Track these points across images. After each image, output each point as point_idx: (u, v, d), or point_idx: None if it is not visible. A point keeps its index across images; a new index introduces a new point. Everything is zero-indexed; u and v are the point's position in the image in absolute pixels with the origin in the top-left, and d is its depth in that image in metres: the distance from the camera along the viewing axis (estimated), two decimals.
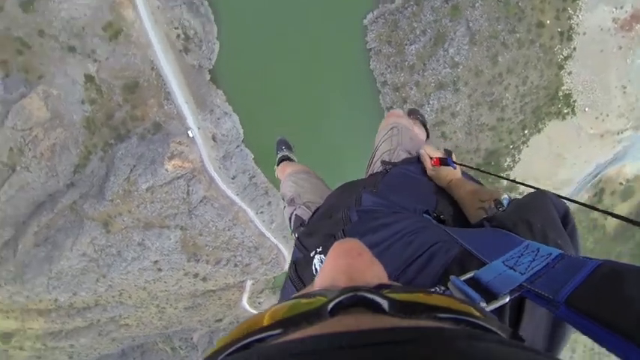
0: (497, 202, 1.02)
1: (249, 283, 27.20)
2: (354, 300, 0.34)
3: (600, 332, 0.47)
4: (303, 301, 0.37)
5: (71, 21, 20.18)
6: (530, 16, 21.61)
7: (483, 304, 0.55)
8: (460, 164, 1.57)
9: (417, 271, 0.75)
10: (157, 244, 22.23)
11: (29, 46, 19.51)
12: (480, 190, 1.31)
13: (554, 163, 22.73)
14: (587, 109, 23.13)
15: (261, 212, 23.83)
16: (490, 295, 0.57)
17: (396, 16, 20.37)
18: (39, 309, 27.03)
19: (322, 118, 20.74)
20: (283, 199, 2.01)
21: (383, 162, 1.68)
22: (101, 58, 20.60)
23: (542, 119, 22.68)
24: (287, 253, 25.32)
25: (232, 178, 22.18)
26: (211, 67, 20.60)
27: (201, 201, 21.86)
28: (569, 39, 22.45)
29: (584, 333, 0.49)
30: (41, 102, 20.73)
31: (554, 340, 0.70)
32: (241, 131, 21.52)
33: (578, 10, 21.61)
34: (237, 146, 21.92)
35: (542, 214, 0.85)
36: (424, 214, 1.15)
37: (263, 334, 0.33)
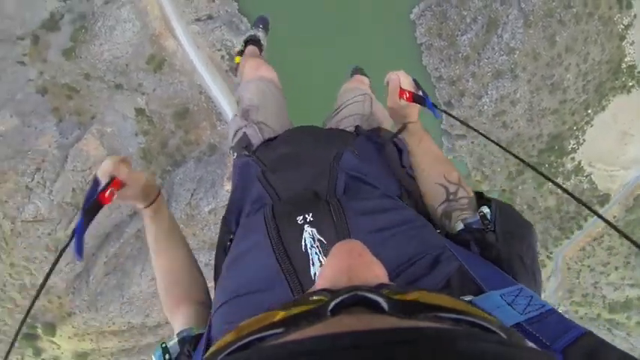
0: (483, 217, 0.89)
1: None
2: (355, 299, 0.34)
3: None
4: (304, 301, 0.37)
5: (114, 60, 20.47)
6: None
7: None
8: (450, 115, 1.24)
9: (420, 273, 0.72)
10: None
11: (77, 90, 19.92)
12: (447, 162, 1.12)
13: (621, 141, 21.52)
14: None
15: None
16: None
17: (444, 7, 19.39)
18: (113, 330, 28.43)
19: None
20: (237, 103, 1.62)
21: (357, 127, 1.42)
22: (148, 90, 20.81)
23: (605, 96, 21.39)
24: None
25: None
26: None
27: None
28: (629, 6, 20.87)
29: None
30: (97, 141, 21.20)
31: None
32: None
33: None
34: None
35: (531, 253, 0.84)
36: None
37: (263, 334, 0.33)
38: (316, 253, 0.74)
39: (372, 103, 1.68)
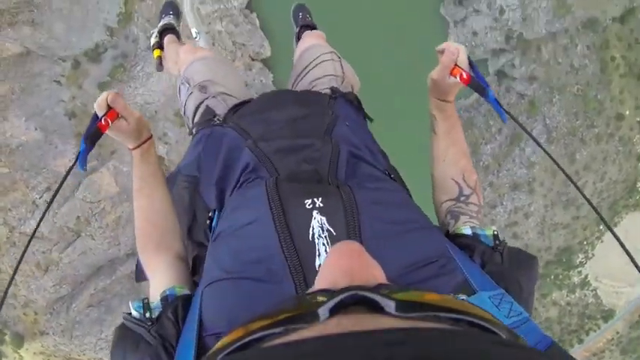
0: (496, 236, 0.89)
1: None
2: (355, 299, 0.33)
3: None
4: (304, 301, 0.37)
5: (145, 105, 21.08)
6: (609, 109, 20.69)
7: None
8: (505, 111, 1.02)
9: (431, 276, 0.70)
10: None
11: None
12: (469, 160, 1.06)
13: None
14: None
15: None
16: None
17: (472, 114, 19.92)
18: (81, 359, 28.04)
19: None
20: (187, 84, 1.44)
21: (334, 88, 1.32)
22: (171, 141, 21.39)
23: (618, 212, 21.73)
24: None
25: None
26: None
27: None
28: None
29: None
30: (111, 177, 21.63)
31: None
32: None
33: None
34: None
35: (530, 287, 0.84)
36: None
37: (262, 334, 0.33)
38: (323, 244, 0.70)
39: (342, 62, 1.54)
